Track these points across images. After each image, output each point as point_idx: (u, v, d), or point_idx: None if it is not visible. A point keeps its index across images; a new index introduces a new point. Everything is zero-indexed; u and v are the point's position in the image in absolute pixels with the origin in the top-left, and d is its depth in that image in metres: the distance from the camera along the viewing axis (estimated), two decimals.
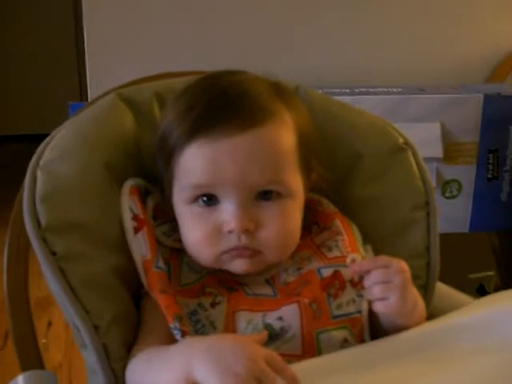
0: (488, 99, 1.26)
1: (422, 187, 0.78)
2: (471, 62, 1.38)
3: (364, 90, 1.26)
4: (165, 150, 0.68)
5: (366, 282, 0.63)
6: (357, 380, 0.59)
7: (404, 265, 0.64)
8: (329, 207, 0.76)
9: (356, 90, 1.25)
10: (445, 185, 1.30)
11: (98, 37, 1.26)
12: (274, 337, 0.64)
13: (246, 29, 1.30)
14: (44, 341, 1.78)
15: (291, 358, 0.62)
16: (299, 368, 0.57)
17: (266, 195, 0.66)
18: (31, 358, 0.80)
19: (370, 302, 0.65)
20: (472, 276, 1.63)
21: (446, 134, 1.27)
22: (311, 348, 0.64)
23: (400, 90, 1.28)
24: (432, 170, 1.26)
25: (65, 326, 1.83)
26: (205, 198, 0.66)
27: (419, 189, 0.78)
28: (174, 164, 0.67)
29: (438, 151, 1.26)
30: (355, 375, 0.59)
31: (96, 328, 0.63)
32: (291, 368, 0.54)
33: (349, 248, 0.71)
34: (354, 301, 0.67)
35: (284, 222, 0.66)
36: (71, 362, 1.72)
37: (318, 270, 0.69)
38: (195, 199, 0.66)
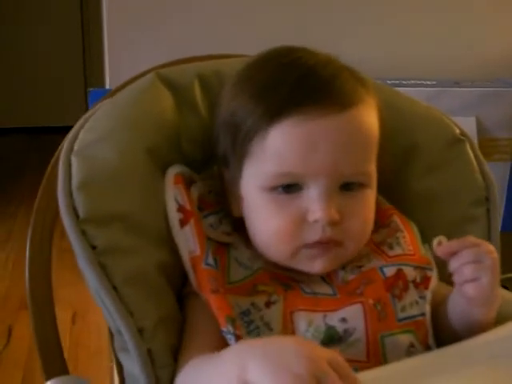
0: None
1: (481, 181, 0.74)
2: (505, 55, 1.33)
3: (397, 82, 1.21)
4: (239, 129, 0.61)
5: (454, 264, 0.58)
6: None
7: (491, 246, 0.59)
8: (384, 203, 0.71)
9: (389, 82, 1.19)
10: None
11: (118, 21, 1.19)
12: (336, 340, 0.58)
13: (276, 19, 1.24)
14: None
15: (355, 363, 0.57)
16: (366, 378, 0.51)
17: (348, 185, 0.60)
18: (56, 362, 0.73)
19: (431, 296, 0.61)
20: None
21: (481, 129, 1.21)
22: (376, 353, 0.59)
23: (434, 82, 1.23)
24: None
25: None
26: (285, 185, 0.59)
27: (479, 183, 0.74)
28: (252, 145, 0.60)
29: None
30: None
31: (140, 331, 0.56)
32: (358, 376, 0.47)
33: (410, 246, 0.66)
34: (416, 302, 0.62)
35: (366, 214, 0.62)
36: None
37: (381, 269, 0.63)
38: (276, 187, 0.60)
